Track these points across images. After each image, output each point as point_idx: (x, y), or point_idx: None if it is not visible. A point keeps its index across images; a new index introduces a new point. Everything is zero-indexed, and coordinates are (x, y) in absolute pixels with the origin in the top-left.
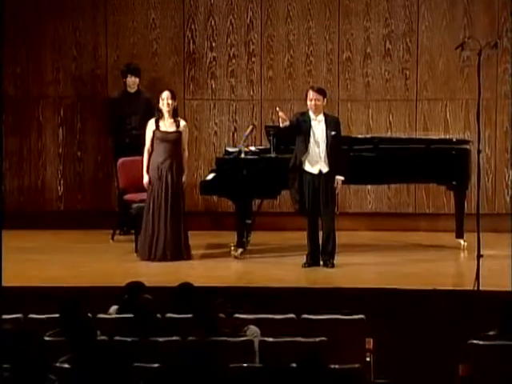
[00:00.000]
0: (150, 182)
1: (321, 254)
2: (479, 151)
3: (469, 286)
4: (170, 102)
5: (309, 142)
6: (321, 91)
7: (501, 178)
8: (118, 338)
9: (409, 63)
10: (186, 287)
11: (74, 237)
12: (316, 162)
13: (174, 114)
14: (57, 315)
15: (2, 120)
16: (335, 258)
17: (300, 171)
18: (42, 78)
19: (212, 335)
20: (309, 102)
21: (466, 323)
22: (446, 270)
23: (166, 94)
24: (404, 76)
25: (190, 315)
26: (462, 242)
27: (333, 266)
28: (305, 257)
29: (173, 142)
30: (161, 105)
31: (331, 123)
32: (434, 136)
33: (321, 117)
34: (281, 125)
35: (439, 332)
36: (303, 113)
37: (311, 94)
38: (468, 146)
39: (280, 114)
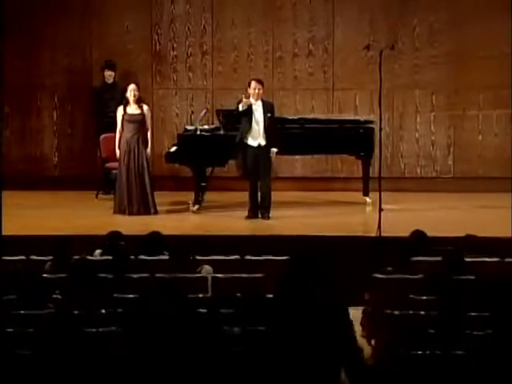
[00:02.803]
0: (120, 154)
1: (259, 208)
2: (381, 129)
3: (373, 233)
4: (136, 92)
5: (251, 121)
6: (261, 82)
7: (397, 150)
8: (101, 274)
9: (327, 61)
10: (155, 235)
11: (66, 196)
12: (256, 138)
13: (138, 101)
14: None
15: (3, 106)
16: (270, 212)
17: (244, 145)
18: (40, 70)
19: (184, 272)
20: (252, 91)
21: (371, 261)
22: (355, 221)
23: (132, 86)
24: (323, 71)
25: (157, 257)
26: (367, 199)
27: (269, 218)
28: (247, 211)
29: (138, 122)
30: (128, 94)
31: (267, 107)
32: (346, 117)
33: (259, 102)
34: (240, 108)
35: (350, 268)
36: None
37: (254, 84)
38: (373, 125)
39: (245, 100)
